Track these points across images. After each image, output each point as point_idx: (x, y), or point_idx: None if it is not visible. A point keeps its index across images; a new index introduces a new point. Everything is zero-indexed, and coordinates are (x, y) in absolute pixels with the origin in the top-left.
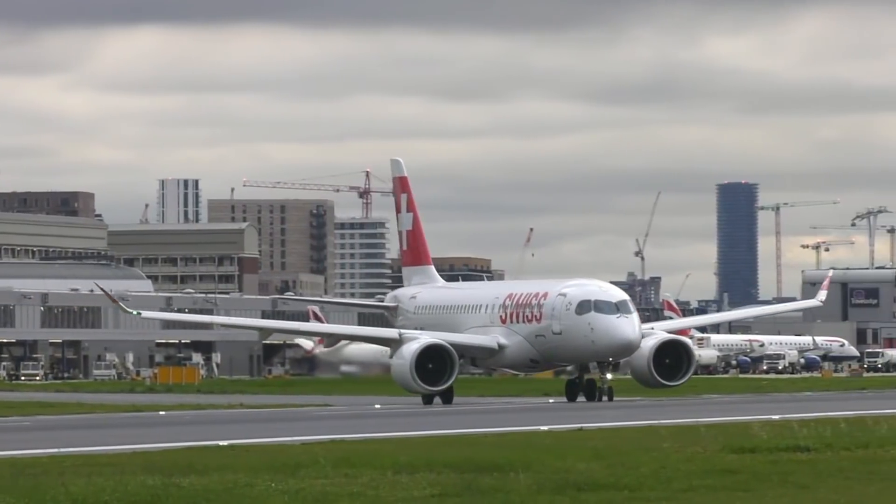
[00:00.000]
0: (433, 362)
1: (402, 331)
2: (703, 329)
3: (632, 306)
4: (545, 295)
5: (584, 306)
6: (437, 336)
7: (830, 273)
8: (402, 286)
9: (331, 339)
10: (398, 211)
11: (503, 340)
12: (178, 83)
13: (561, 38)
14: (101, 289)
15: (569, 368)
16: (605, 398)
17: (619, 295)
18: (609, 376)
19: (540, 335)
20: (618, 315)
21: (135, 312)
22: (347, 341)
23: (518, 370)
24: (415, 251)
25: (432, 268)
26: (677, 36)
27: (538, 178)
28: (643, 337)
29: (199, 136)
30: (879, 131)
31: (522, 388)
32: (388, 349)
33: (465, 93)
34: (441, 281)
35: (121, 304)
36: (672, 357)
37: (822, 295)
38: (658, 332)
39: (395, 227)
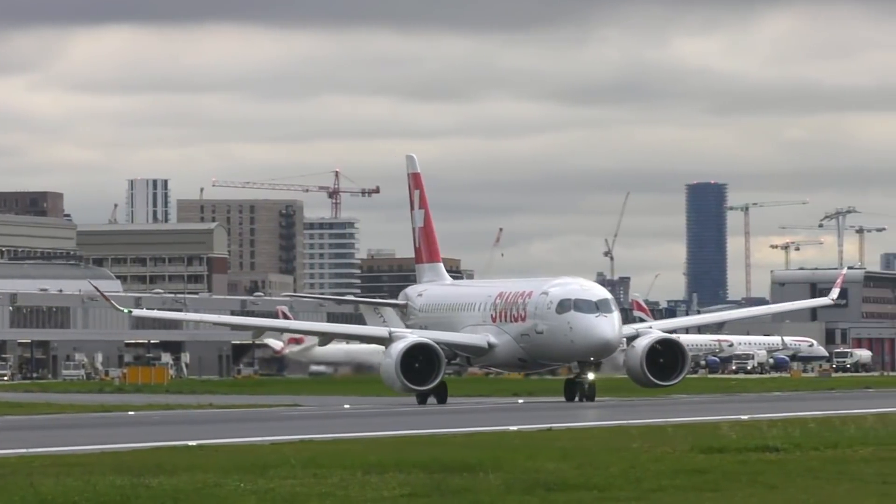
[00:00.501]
0: (420, 361)
1: (392, 329)
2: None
3: (613, 306)
4: (530, 294)
5: (564, 305)
6: (427, 335)
7: (845, 271)
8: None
9: (324, 339)
10: (412, 208)
11: (493, 339)
12: (147, 83)
13: (529, 39)
14: (96, 288)
15: (563, 368)
16: (585, 398)
17: (601, 294)
18: (591, 376)
19: (525, 334)
20: (597, 314)
21: (126, 311)
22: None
23: (508, 369)
24: (426, 248)
25: (441, 265)
26: (645, 36)
27: (507, 178)
28: (638, 336)
29: (167, 136)
30: (847, 131)
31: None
32: (358, 349)
33: (433, 93)
34: (448, 279)
35: (112, 302)
36: (667, 356)
37: (835, 293)
38: (653, 332)
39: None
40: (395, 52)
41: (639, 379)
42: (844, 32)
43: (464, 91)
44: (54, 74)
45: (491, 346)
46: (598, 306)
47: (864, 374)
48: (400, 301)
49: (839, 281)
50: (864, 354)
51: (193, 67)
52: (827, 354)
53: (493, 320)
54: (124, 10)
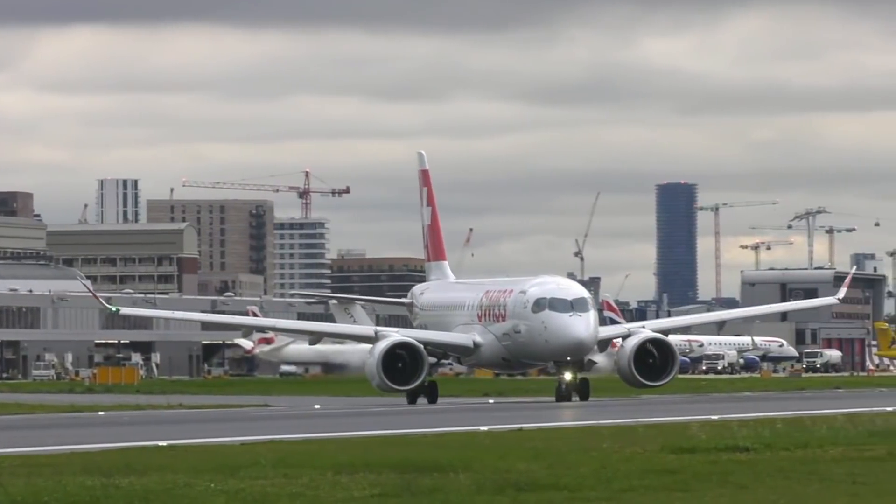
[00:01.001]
0: (403, 361)
1: (378, 328)
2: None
3: (590, 305)
4: (510, 293)
5: (539, 304)
6: (413, 334)
7: (853, 269)
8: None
9: (314, 338)
10: (421, 205)
11: (479, 339)
12: (115, 83)
13: (497, 39)
14: (88, 288)
15: (536, 368)
16: (563, 399)
17: (578, 293)
18: (567, 376)
19: (506, 334)
20: (571, 313)
21: (114, 309)
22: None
23: (494, 369)
24: (433, 246)
25: (446, 263)
26: (613, 37)
27: (476, 179)
28: (630, 335)
29: (135, 137)
30: (816, 132)
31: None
32: (328, 350)
33: (401, 93)
34: (452, 277)
35: (101, 300)
36: (656, 357)
37: (842, 293)
38: (644, 332)
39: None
40: (364, 52)
41: (627, 379)
42: (812, 33)
43: (433, 91)
44: (22, 74)
45: (476, 345)
46: (573, 305)
47: (833, 374)
48: (406, 300)
49: (847, 280)
50: (833, 355)
51: (161, 67)
52: (797, 355)
53: (479, 319)
54: (92, 9)
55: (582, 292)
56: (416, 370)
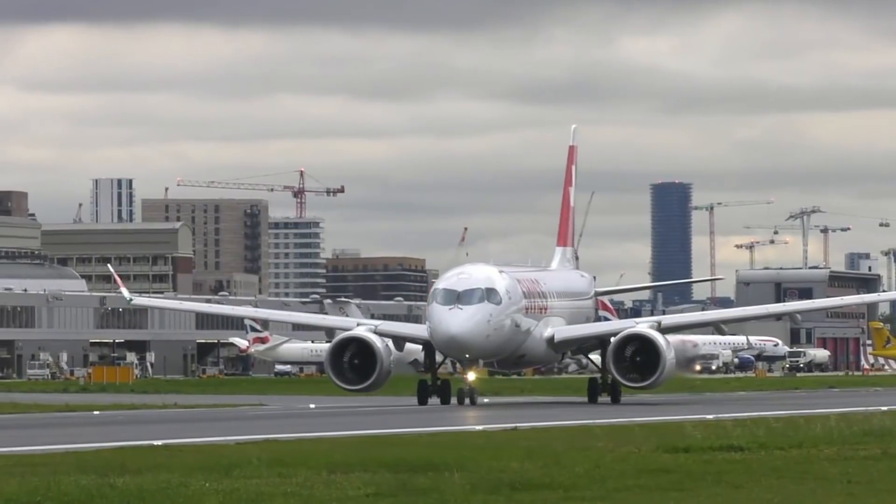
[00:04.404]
0: (358, 356)
1: (361, 321)
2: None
3: (488, 296)
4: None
5: (433, 296)
6: (388, 326)
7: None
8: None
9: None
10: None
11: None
12: (97, 82)
13: (478, 37)
14: (112, 273)
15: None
16: (466, 400)
17: (473, 284)
18: (471, 376)
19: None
20: (451, 307)
21: (129, 298)
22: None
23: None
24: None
25: (566, 250)
26: (594, 35)
27: (463, 178)
28: (619, 333)
29: (120, 136)
30: (798, 131)
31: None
32: (323, 348)
33: (385, 92)
34: (554, 264)
35: (124, 288)
36: (644, 354)
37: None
38: (636, 327)
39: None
40: (345, 51)
41: (613, 380)
42: (792, 32)
43: (415, 90)
44: (4, 73)
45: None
46: (460, 297)
47: (818, 373)
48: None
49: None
50: (819, 354)
51: (142, 66)
52: (782, 354)
53: None
54: (74, 8)
55: (482, 283)
56: (371, 367)
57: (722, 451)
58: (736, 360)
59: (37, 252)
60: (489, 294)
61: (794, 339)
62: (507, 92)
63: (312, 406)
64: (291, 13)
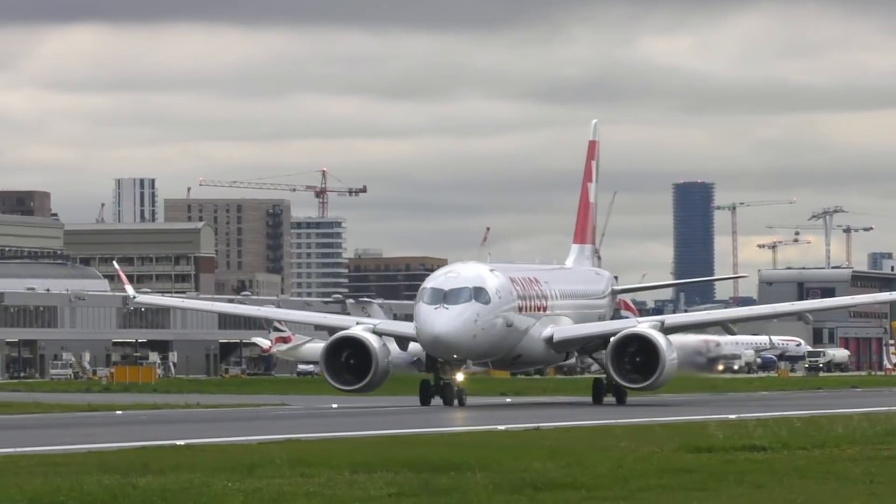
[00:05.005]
0: (355, 357)
1: (360, 319)
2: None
3: (476, 296)
4: None
5: (421, 295)
6: (384, 325)
7: None
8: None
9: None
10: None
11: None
12: (116, 82)
13: (498, 37)
14: (116, 269)
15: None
16: (455, 402)
17: (461, 283)
18: (460, 377)
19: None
20: (437, 306)
21: (132, 296)
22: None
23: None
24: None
25: (584, 248)
26: (615, 35)
27: (484, 178)
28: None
29: (141, 135)
30: (818, 131)
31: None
32: None
33: (405, 92)
34: (568, 261)
35: (127, 285)
36: (644, 355)
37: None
38: (637, 326)
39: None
40: (365, 50)
41: (612, 380)
42: (812, 31)
43: (436, 90)
44: (25, 73)
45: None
46: (446, 296)
47: (838, 373)
48: None
49: None
50: (839, 354)
51: (162, 66)
52: (803, 354)
53: None
54: (95, 8)
55: (470, 282)
56: (366, 367)
57: (744, 450)
58: (758, 360)
59: (59, 252)
60: (477, 293)
61: (816, 339)
62: (528, 92)
63: (335, 406)
64: (312, 13)
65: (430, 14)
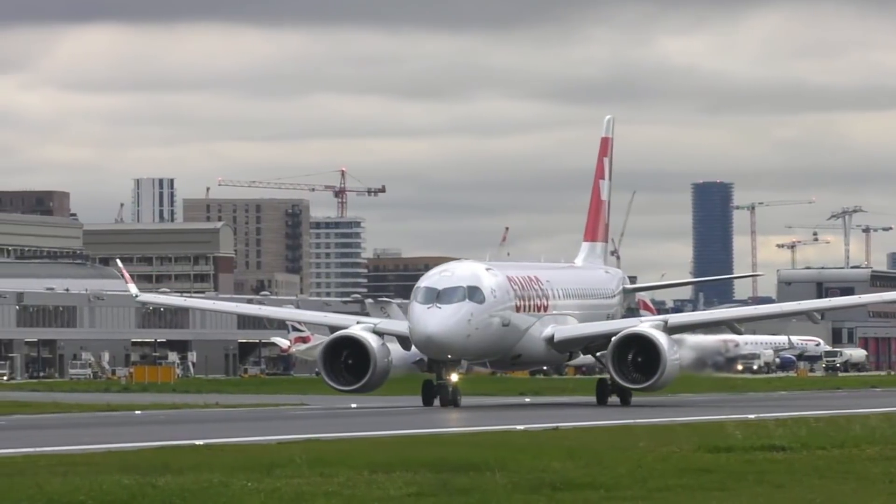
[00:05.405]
0: (354, 357)
1: (361, 318)
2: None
3: (470, 295)
4: None
5: (415, 294)
6: (385, 325)
7: None
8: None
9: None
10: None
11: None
12: (134, 81)
13: (516, 37)
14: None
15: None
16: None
17: (455, 282)
18: (454, 377)
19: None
20: (429, 305)
21: (135, 294)
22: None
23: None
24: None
25: (592, 245)
26: (632, 35)
27: (502, 177)
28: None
29: (159, 135)
30: (838, 131)
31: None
32: None
33: (423, 92)
34: (577, 260)
35: (130, 283)
36: (644, 355)
37: None
38: (639, 326)
39: (370, 224)
40: (383, 50)
41: (613, 381)
42: (831, 31)
43: (454, 90)
44: (43, 74)
45: None
46: (439, 296)
47: (855, 373)
48: None
49: None
50: (856, 354)
51: (183, 66)
52: (820, 354)
53: None
54: (114, 8)
55: (464, 281)
56: (363, 367)
57: (764, 450)
58: (777, 360)
59: (78, 252)
60: (471, 292)
61: (836, 339)
62: (546, 91)
63: (354, 406)
64: (330, 13)
65: (448, 14)
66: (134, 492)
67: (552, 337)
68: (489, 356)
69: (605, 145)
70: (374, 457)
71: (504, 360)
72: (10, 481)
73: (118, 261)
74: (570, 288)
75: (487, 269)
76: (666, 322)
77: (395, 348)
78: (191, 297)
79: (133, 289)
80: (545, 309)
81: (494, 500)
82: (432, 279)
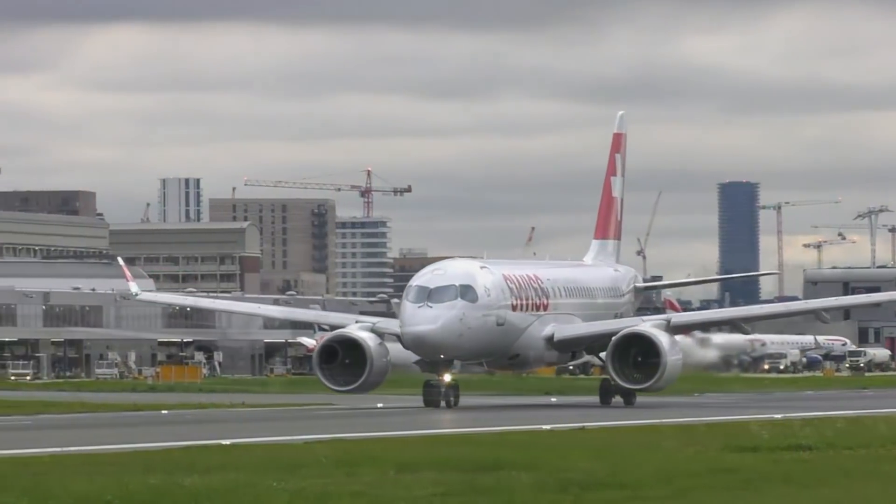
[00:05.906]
0: (350, 357)
1: (360, 318)
2: (706, 328)
3: (462, 294)
4: None
5: (406, 293)
6: (383, 324)
7: None
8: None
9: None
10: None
11: None
12: (160, 82)
13: (542, 37)
14: (121, 264)
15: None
16: (442, 403)
17: (448, 280)
18: (447, 378)
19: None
20: (420, 304)
21: (135, 293)
22: None
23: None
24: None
25: (603, 244)
26: (657, 34)
27: (528, 177)
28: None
29: (185, 135)
30: (868, 129)
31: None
32: (390, 348)
33: (449, 91)
34: (586, 259)
35: (131, 282)
36: (645, 355)
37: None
38: (640, 325)
39: (396, 224)
40: (409, 50)
41: (614, 382)
42: (856, 30)
43: (480, 90)
44: (69, 74)
45: None
46: (430, 295)
47: (879, 373)
48: None
49: None
50: (879, 353)
51: (209, 66)
52: (843, 354)
53: None
54: (139, 8)
55: (457, 280)
56: (360, 367)
57: (790, 450)
58: (804, 360)
59: (105, 252)
60: (464, 291)
61: (862, 338)
62: (572, 91)
63: (380, 405)
64: (356, 13)
65: (474, 13)
66: (160, 491)
67: (552, 336)
68: (484, 356)
69: (618, 141)
70: (401, 456)
71: (501, 360)
72: (37, 481)
73: (119, 259)
74: (574, 287)
75: (482, 268)
76: (668, 321)
77: (396, 348)
78: (206, 296)
79: (134, 287)
80: (545, 308)
81: (521, 500)
82: (424, 278)
